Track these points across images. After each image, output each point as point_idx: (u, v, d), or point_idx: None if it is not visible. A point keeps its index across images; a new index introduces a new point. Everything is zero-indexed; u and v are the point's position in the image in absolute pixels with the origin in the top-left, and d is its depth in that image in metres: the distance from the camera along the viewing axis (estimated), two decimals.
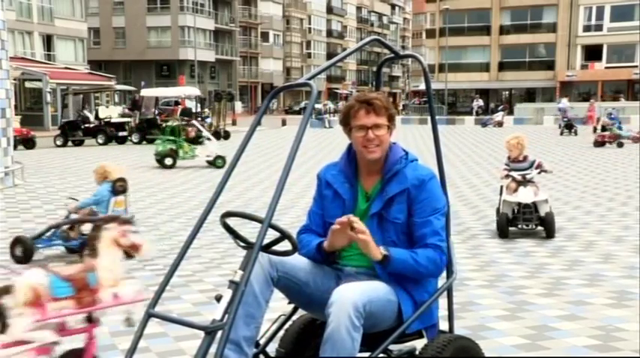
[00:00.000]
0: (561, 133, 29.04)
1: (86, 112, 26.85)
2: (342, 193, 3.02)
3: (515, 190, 7.99)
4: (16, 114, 21.52)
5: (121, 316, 3.19)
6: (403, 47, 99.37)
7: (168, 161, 16.69)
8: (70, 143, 25.13)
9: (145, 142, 25.39)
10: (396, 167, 2.96)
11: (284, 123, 39.35)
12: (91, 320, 3.18)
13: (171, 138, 17.52)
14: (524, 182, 8.02)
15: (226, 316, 2.46)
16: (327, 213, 3.06)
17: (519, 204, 7.96)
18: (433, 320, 3.05)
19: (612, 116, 29.03)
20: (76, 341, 3.18)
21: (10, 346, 2.90)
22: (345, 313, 2.62)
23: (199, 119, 27.18)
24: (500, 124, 36.92)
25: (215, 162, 16.49)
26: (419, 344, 3.08)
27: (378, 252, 2.83)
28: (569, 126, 29.01)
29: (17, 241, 6.97)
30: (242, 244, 2.77)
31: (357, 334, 2.66)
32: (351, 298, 2.65)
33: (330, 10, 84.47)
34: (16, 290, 2.97)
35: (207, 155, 16.85)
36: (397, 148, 3.03)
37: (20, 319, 2.92)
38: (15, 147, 16.11)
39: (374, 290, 2.78)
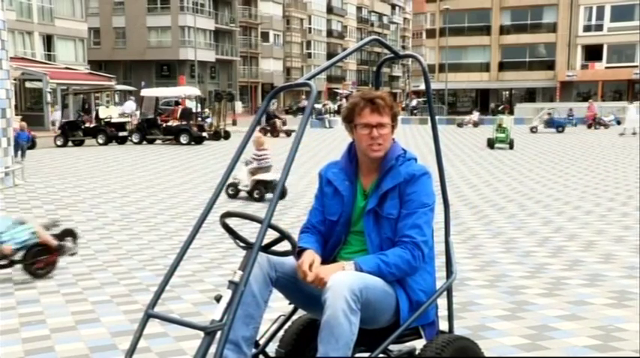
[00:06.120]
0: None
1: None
2: (341, 190, 3.03)
3: None
4: (16, 114, 21.47)
5: (121, 316, 3.19)
6: (403, 47, 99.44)
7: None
8: (70, 143, 25.13)
9: (145, 142, 25.38)
10: (391, 163, 2.97)
11: (284, 123, 39.27)
12: None
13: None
14: None
15: (225, 316, 2.46)
16: (327, 210, 3.08)
17: None
18: (429, 318, 3.04)
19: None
20: None
21: None
22: (341, 296, 2.59)
23: (199, 119, 27.15)
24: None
25: None
26: (418, 344, 3.08)
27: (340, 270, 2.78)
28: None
29: None
30: (242, 244, 2.77)
31: (355, 318, 2.63)
32: (347, 282, 2.64)
33: (330, 10, 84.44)
34: None
35: None
36: (396, 146, 3.04)
37: None
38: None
39: (370, 278, 2.77)
